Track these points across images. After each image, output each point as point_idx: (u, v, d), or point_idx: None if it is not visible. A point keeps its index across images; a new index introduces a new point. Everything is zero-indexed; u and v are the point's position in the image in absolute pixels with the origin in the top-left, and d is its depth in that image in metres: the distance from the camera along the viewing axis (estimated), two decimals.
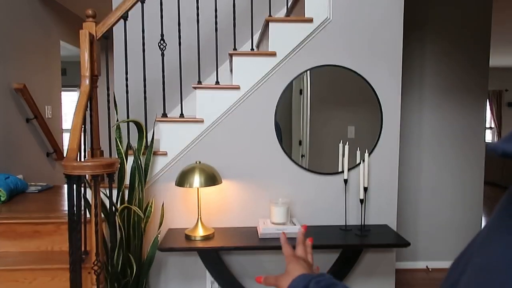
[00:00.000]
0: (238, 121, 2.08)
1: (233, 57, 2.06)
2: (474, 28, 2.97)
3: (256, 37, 2.60)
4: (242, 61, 2.05)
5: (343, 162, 2.04)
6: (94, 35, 1.95)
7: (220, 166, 2.06)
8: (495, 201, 5.17)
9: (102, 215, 1.81)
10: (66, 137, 3.90)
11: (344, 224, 2.10)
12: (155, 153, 2.05)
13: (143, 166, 1.97)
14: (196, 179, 1.88)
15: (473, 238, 0.36)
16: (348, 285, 2.16)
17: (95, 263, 1.62)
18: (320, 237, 1.96)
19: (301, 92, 2.10)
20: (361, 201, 2.01)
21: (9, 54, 3.20)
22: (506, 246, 0.28)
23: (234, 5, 2.09)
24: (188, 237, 1.93)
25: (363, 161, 1.98)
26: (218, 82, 2.09)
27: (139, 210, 1.90)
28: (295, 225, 1.96)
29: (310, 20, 2.04)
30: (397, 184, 2.16)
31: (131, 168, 1.95)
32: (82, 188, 1.71)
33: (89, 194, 1.82)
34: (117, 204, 1.91)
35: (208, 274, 2.10)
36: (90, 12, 1.95)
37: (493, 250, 0.29)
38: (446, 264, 3.05)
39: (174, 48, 2.22)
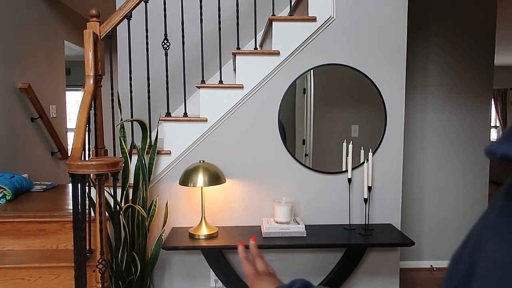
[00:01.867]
0: (242, 120, 2.08)
1: (237, 56, 2.06)
2: (478, 27, 2.95)
3: (259, 36, 2.60)
4: (245, 60, 2.05)
5: (347, 161, 2.04)
6: (98, 34, 1.96)
7: (224, 165, 2.07)
8: None
9: (107, 214, 1.82)
10: (70, 137, 3.92)
11: (348, 223, 2.09)
12: (159, 152, 2.06)
13: (147, 165, 1.98)
14: (200, 178, 1.89)
15: (466, 238, 0.35)
16: (352, 284, 2.16)
17: (100, 261, 1.63)
18: (324, 236, 1.96)
19: (304, 91, 2.10)
20: (365, 200, 2.01)
21: (14, 54, 3.22)
22: None
23: (237, 5, 2.09)
24: (192, 236, 1.93)
25: (367, 160, 1.98)
26: (222, 81, 2.09)
27: (142, 209, 1.91)
28: (298, 224, 1.96)
29: (313, 19, 2.04)
30: (401, 183, 2.15)
31: (135, 167, 1.96)
32: (87, 187, 1.72)
33: (93, 193, 1.84)
34: (121, 203, 1.92)
35: (212, 272, 2.10)
36: (94, 12, 1.96)
37: (503, 248, 0.28)
38: None
39: (177, 47, 2.23)
